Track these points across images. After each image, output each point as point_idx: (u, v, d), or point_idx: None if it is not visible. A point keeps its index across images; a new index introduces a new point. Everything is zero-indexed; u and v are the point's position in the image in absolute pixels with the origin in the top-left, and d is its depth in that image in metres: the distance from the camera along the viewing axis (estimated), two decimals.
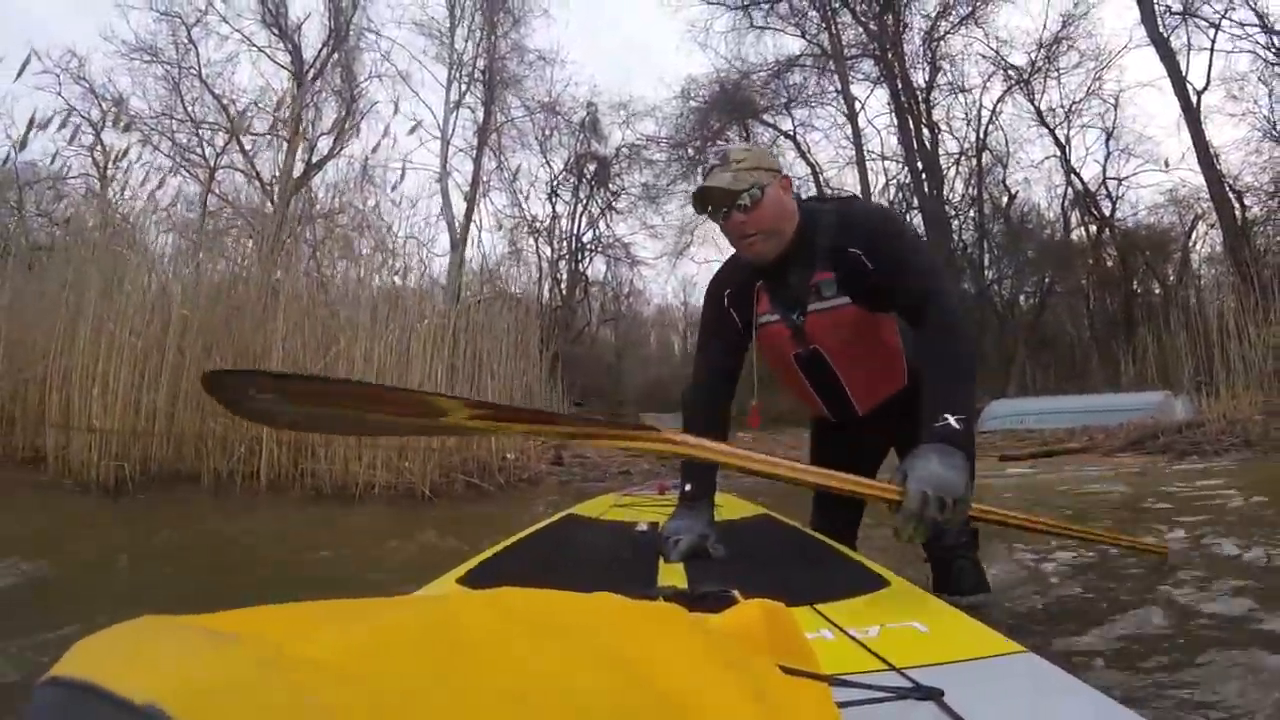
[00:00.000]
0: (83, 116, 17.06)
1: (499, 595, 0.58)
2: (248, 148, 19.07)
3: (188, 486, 4.67)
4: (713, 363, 1.94)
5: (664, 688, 0.50)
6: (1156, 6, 16.07)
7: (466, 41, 19.54)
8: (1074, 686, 0.79)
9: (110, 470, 4.47)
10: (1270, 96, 16.65)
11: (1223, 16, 16.04)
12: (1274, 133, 16.75)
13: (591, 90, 21.29)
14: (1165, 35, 16.09)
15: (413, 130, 14.20)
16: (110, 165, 15.82)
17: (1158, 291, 18.96)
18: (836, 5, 19.93)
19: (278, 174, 18.06)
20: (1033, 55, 19.33)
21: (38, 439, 4.62)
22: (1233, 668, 1.36)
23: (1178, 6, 16.25)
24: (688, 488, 1.77)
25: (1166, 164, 18.29)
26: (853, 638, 0.96)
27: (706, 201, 1.73)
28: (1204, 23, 16.31)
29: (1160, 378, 9.17)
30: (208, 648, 0.41)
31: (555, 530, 2.16)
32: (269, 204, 17.15)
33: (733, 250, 1.90)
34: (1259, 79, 16.65)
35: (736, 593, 0.97)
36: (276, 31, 19.55)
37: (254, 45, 19.37)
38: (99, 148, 16.21)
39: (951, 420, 1.40)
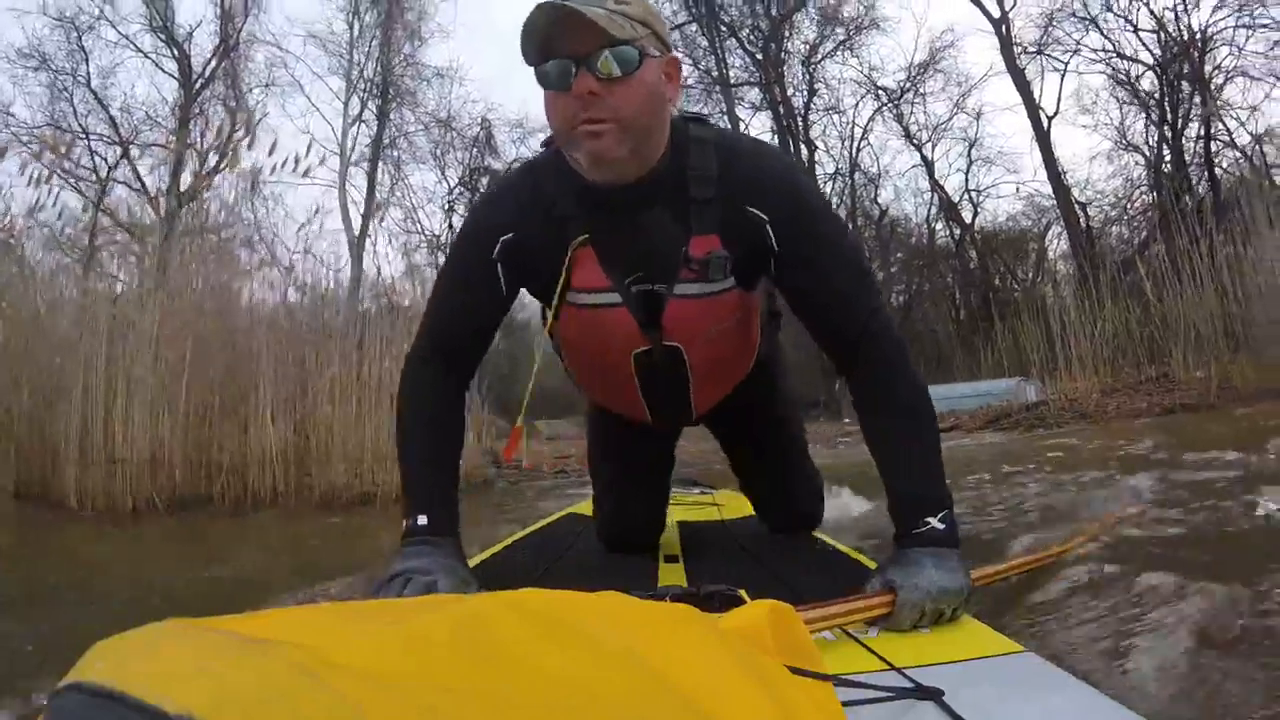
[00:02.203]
0: None
1: (521, 597, 0.57)
2: (137, 160, 18.57)
3: (204, 507, 4.78)
4: (446, 342, 1.31)
5: (683, 688, 0.51)
6: (1014, 42, 17.93)
7: (365, 58, 19.55)
8: (1074, 686, 0.79)
9: (129, 498, 4.54)
10: (1121, 111, 18.79)
11: (1078, 45, 18.03)
12: (1123, 142, 18.90)
13: (487, 107, 21.58)
14: (1021, 67, 17.95)
15: (308, 151, 13.86)
16: None
17: (1016, 290, 20.82)
18: (725, 34, 21.05)
19: (163, 187, 17.64)
20: (901, 81, 20.97)
21: (54, 472, 4.61)
22: (1232, 665, 1.32)
23: (1033, 47, 18.21)
24: (421, 520, 1.20)
25: (1018, 188, 20.33)
26: (853, 637, 0.96)
27: (548, 35, 1.07)
28: (1056, 57, 18.27)
29: (1014, 366, 10.31)
30: (240, 653, 0.39)
31: (555, 529, 2.13)
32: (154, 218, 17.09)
33: (527, 161, 1.37)
34: (1110, 95, 18.77)
35: (743, 593, 0.94)
36: (164, 38, 18.97)
37: (140, 51, 18.86)
38: None
39: (935, 522, 1.12)
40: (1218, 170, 17.71)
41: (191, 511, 4.62)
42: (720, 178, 1.19)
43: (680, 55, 1.20)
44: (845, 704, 0.66)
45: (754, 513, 2.01)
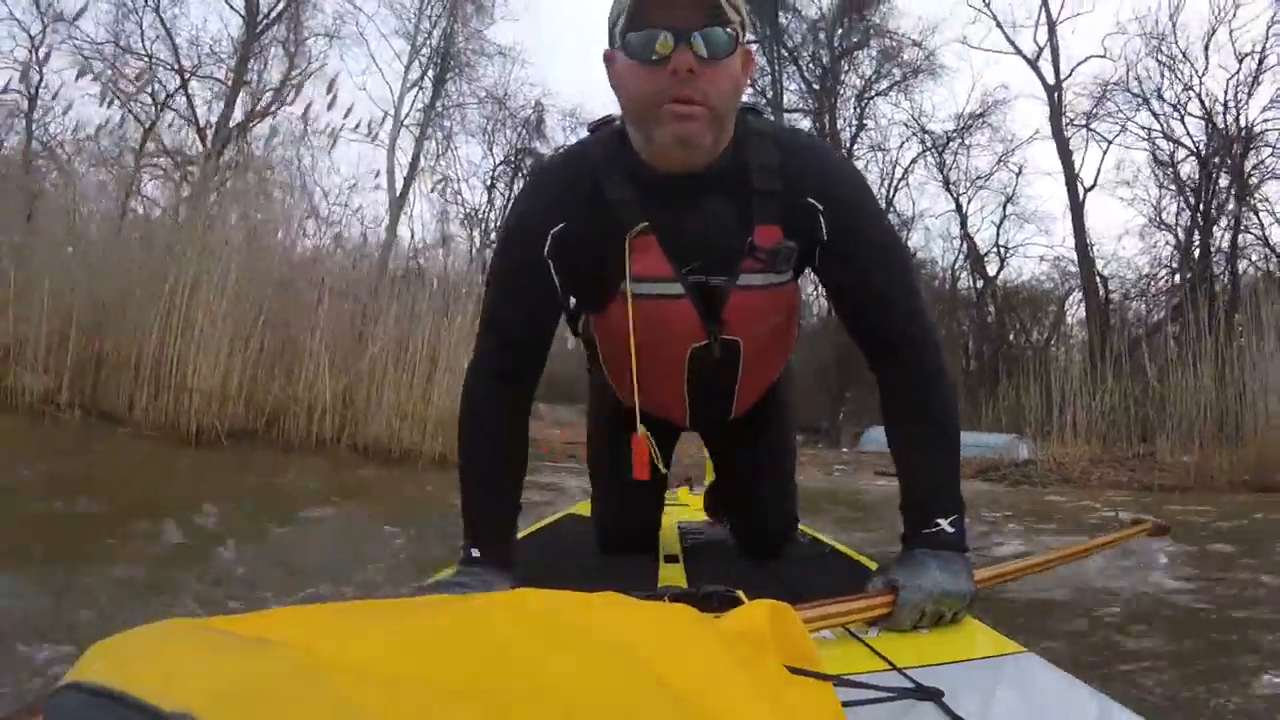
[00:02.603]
0: (22, 28, 16.43)
1: (520, 597, 0.58)
2: (193, 92, 18.56)
3: (259, 440, 5.16)
4: (506, 353, 1.25)
5: (682, 688, 0.50)
6: (1063, 112, 18.29)
7: (433, 25, 19.90)
8: (1074, 686, 0.79)
9: (195, 424, 4.85)
10: (1159, 190, 19.19)
11: (1127, 120, 18.37)
12: (1157, 220, 19.29)
13: (544, 92, 21.96)
14: (1067, 137, 18.31)
15: (347, 114, 13.68)
16: (39, 89, 15.42)
17: (1028, 349, 21.15)
18: (786, 60, 21.45)
19: (213, 120, 17.88)
20: (948, 130, 21.31)
21: (121, 393, 4.92)
22: (1231, 665, 1.32)
23: (1082, 118, 18.56)
24: (475, 553, 1.18)
25: (1041, 258, 20.67)
26: (855, 636, 0.96)
27: (678, 3, 1.02)
28: (1101, 135, 18.62)
29: (1012, 423, 10.71)
30: (239, 652, 0.40)
31: (554, 529, 2.12)
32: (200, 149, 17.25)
33: (564, 152, 1.34)
34: (1151, 173, 19.14)
35: (741, 593, 0.93)
36: None
37: None
38: (35, 65, 15.83)
39: (945, 525, 1.11)
40: (1242, 263, 18.07)
41: (245, 443, 5.01)
42: (782, 169, 1.16)
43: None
44: (845, 704, 0.66)
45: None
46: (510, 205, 1.33)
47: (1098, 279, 18.93)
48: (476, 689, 0.43)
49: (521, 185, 1.45)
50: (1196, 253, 18.36)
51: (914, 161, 22.02)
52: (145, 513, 2.85)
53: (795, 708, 0.59)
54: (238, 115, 18.22)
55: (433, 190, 20.59)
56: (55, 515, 2.82)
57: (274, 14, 19.05)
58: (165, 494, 3.41)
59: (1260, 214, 17.88)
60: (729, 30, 1.04)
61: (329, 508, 3.57)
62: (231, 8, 18.66)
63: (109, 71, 16.86)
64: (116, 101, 16.13)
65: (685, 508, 2.55)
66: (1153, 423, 8.55)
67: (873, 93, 21.76)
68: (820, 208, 1.15)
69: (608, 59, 1.13)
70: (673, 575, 1.43)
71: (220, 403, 4.95)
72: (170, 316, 4.90)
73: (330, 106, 12.13)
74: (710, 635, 0.62)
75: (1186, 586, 2.54)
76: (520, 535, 1.89)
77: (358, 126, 11.44)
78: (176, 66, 18.33)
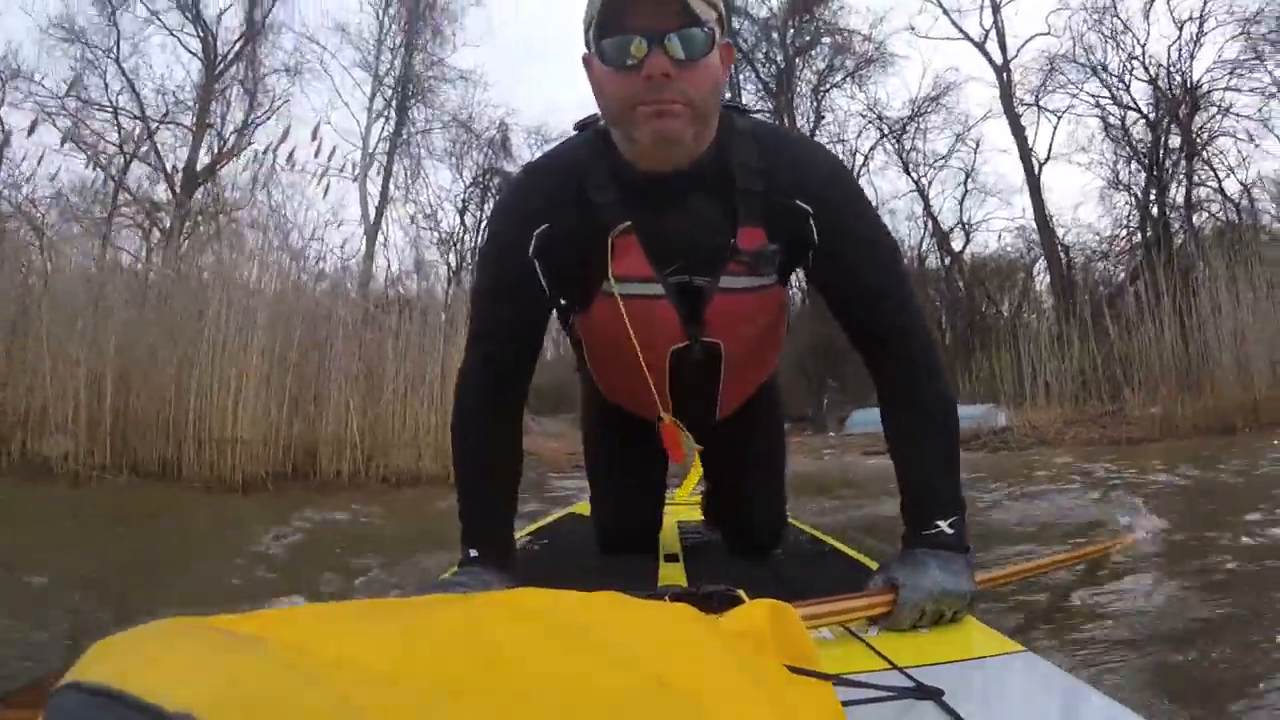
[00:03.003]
0: None
1: (520, 596, 0.58)
2: (158, 138, 18.62)
3: (295, 483, 5.39)
4: (496, 356, 1.25)
5: (682, 688, 0.51)
6: (1014, 89, 18.89)
7: (392, 55, 20.11)
8: (1074, 686, 0.80)
9: (241, 472, 5.06)
10: (1115, 155, 19.89)
11: (1078, 90, 19.08)
12: (1115, 181, 19.94)
13: (508, 111, 22.19)
14: (1019, 113, 18.92)
15: (330, 153, 13.64)
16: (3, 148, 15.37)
17: (1000, 319, 21.66)
18: (740, 61, 21.85)
19: (179, 165, 17.91)
20: (903, 115, 21.82)
21: (165, 450, 5.07)
22: (1233, 664, 1.32)
23: (1031, 96, 19.29)
24: (473, 553, 1.21)
25: (1000, 235, 21.25)
26: (856, 636, 0.95)
27: (620, 5, 1.03)
28: (1050, 111, 19.25)
29: (988, 392, 11.11)
30: (241, 652, 0.40)
31: (554, 529, 2.12)
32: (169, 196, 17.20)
33: (545, 153, 1.30)
34: (1105, 138, 19.80)
35: (742, 592, 0.92)
36: (190, 15, 19.05)
37: (165, 27, 18.77)
38: None
39: (944, 526, 1.11)
40: (1202, 215, 18.71)
41: (286, 485, 5.26)
42: (765, 169, 1.15)
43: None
44: (845, 703, 0.65)
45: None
46: (495, 208, 1.35)
47: (1059, 248, 19.52)
48: (476, 689, 0.43)
49: (507, 187, 1.42)
50: (1154, 211, 18.94)
51: (873, 148, 22.49)
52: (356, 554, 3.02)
53: (796, 707, 0.59)
54: (204, 159, 18.38)
55: (412, 221, 20.76)
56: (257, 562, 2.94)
57: (231, 54, 19.16)
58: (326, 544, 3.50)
59: (1215, 167, 18.54)
60: (706, 29, 1.04)
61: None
62: (189, 50, 19.06)
63: (71, 125, 16.89)
64: (83, 154, 16.79)
65: (685, 507, 2.52)
66: (1120, 380, 9.01)
67: (828, 85, 22.23)
68: (810, 210, 1.15)
69: (586, 62, 1.12)
70: (673, 574, 1.42)
71: (260, 449, 5.20)
72: (203, 370, 5.13)
73: (316, 154, 12.25)
74: (710, 635, 0.62)
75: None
76: (520, 535, 1.89)
77: (331, 157, 11.57)
78: (140, 115, 18.46)
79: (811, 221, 1.15)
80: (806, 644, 0.75)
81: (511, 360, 1.26)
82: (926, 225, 22.93)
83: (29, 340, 5.01)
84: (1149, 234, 18.09)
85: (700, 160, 1.13)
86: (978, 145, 21.44)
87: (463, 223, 22.45)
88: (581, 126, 1.27)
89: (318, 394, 5.61)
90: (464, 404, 1.27)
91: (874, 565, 1.28)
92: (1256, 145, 17.64)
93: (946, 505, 1.13)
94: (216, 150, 18.94)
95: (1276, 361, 7.28)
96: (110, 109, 18.02)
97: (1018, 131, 19.14)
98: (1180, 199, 18.96)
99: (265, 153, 9.68)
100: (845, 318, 1.23)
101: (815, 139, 21.82)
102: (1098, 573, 2.22)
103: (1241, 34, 17.23)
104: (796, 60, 21.66)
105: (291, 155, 10.47)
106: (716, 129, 1.14)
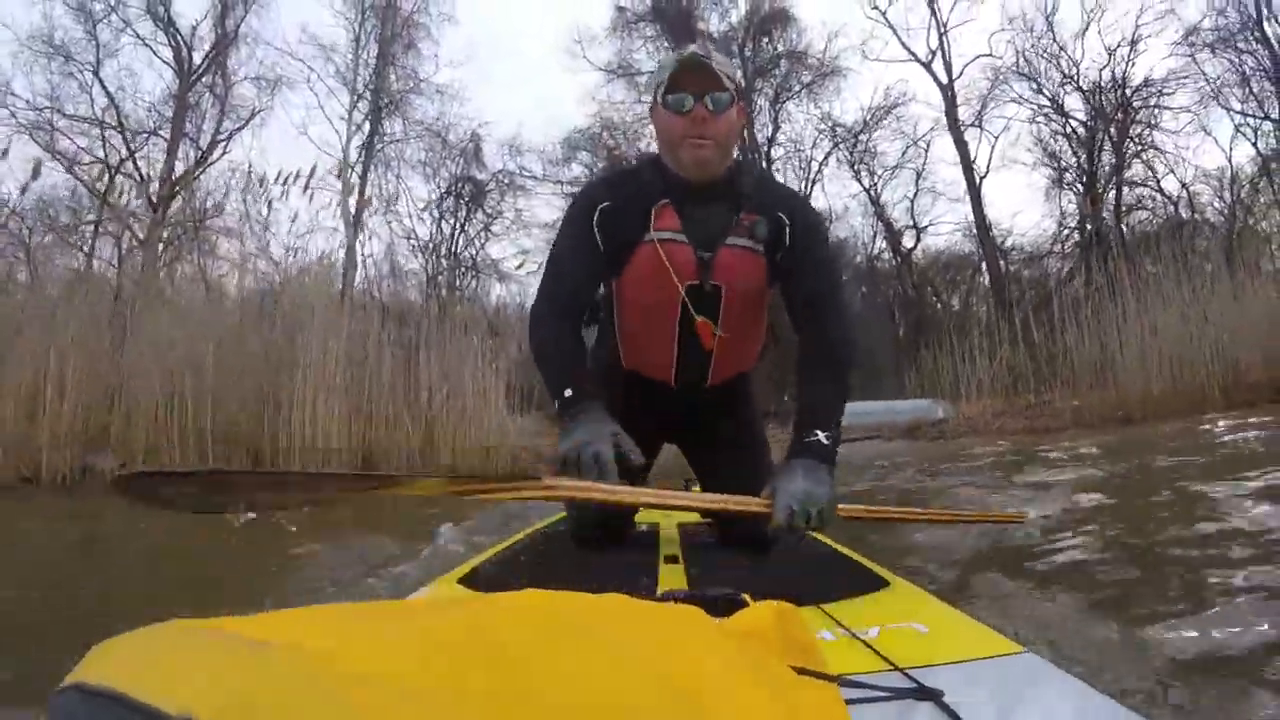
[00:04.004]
0: None
1: (525, 598, 0.59)
2: (135, 149, 18.58)
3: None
4: (562, 294, 1.64)
5: (688, 689, 0.51)
6: (957, 105, 20.42)
7: (370, 70, 20.27)
8: (1074, 686, 0.80)
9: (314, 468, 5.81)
10: (1051, 166, 21.31)
11: (1019, 101, 20.78)
12: (1059, 183, 21.32)
13: (480, 123, 22.09)
14: (962, 129, 20.37)
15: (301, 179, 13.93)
16: None
17: (951, 312, 23.02)
18: None
19: (153, 174, 17.99)
20: (857, 123, 23.00)
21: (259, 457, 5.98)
22: (1235, 665, 1.34)
23: (973, 119, 20.91)
24: (567, 393, 1.48)
25: (941, 245, 22.68)
26: (856, 637, 0.96)
27: (694, 73, 1.53)
28: (990, 131, 20.92)
29: (931, 387, 12.23)
30: (243, 655, 0.41)
31: (554, 530, 2.12)
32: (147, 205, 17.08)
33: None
34: (1045, 144, 21.30)
35: (747, 596, 0.93)
36: (161, 25, 18.92)
37: (138, 36, 18.73)
38: None
39: (821, 436, 1.43)
40: (1136, 218, 20.33)
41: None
42: (759, 190, 1.62)
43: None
44: (845, 703, 0.66)
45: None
46: (574, 198, 1.71)
47: (998, 253, 20.89)
48: (481, 691, 0.43)
49: (584, 185, 1.79)
50: (1088, 225, 20.38)
51: (828, 156, 23.39)
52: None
53: (801, 709, 0.60)
54: (178, 168, 18.34)
55: (404, 239, 21.03)
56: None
57: (204, 64, 19.10)
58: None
59: (1155, 168, 20.07)
60: (729, 94, 1.53)
61: None
62: (161, 59, 19.01)
63: (47, 136, 16.96)
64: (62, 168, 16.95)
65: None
66: (1046, 377, 10.27)
67: (784, 99, 23.11)
68: (788, 222, 1.58)
69: (652, 109, 1.63)
70: (673, 576, 1.43)
71: (339, 455, 6.16)
72: (290, 388, 6.07)
73: (306, 188, 12.42)
74: (715, 637, 0.63)
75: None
76: (519, 536, 2.02)
77: (308, 188, 11.89)
78: (119, 126, 18.39)
79: (787, 230, 1.58)
80: (812, 646, 0.77)
81: (571, 296, 1.64)
82: (877, 227, 24.04)
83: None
84: (1083, 238, 19.61)
85: (720, 178, 1.59)
86: (928, 148, 22.54)
87: (441, 231, 22.83)
88: (638, 158, 2.26)
89: (372, 406, 6.58)
90: (536, 325, 1.63)
91: (874, 568, 1.48)
92: (1186, 151, 19.28)
93: (825, 422, 1.46)
94: (198, 159, 18.99)
95: (1172, 360, 8.45)
96: (96, 122, 18.06)
97: (960, 146, 20.52)
98: (1114, 201, 20.43)
99: (279, 182, 10.14)
100: (799, 293, 1.62)
101: (772, 149, 22.94)
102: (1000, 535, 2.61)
103: (1179, 44, 18.77)
104: (756, 79, 22.60)
105: (309, 184, 10.91)
106: (732, 162, 1.63)
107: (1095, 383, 9.28)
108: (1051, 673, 0.84)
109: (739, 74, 1.76)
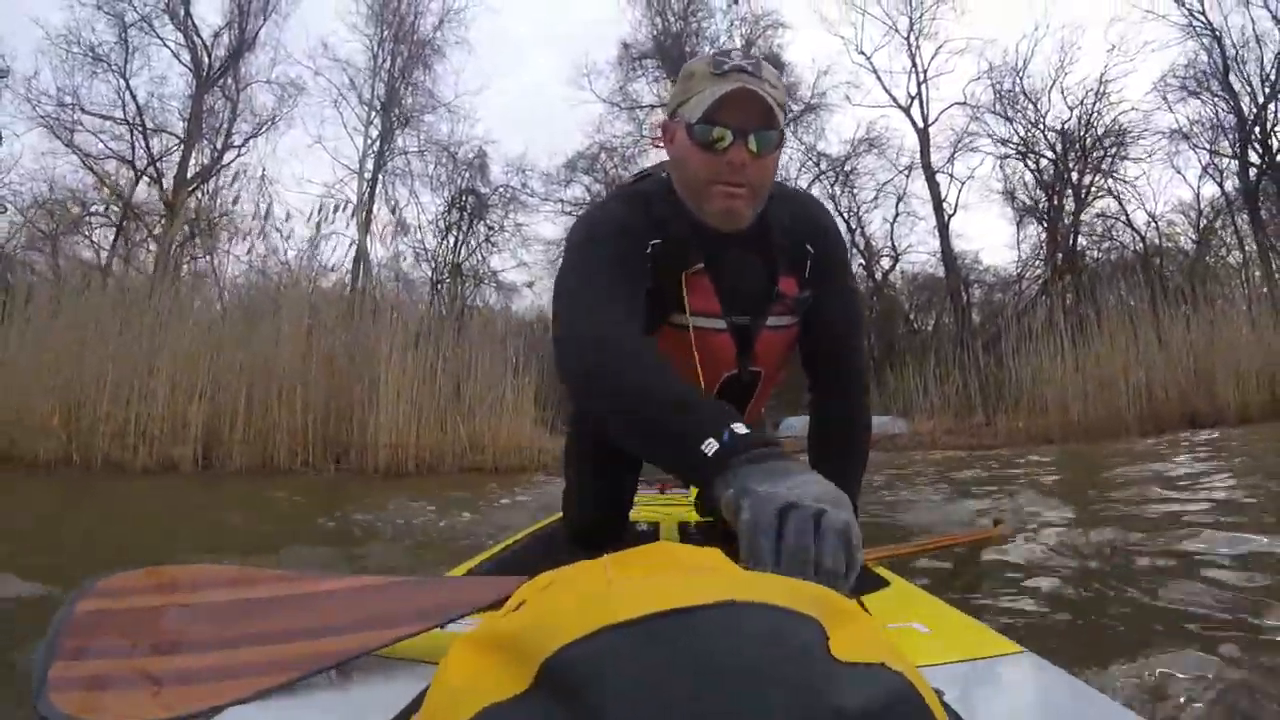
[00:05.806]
0: None
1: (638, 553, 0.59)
2: (154, 150, 19.31)
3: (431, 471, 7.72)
4: (616, 312, 1.14)
5: None
6: (931, 148, 22.32)
7: (385, 85, 21.21)
8: (1074, 686, 0.80)
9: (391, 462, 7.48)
10: (1027, 189, 22.85)
11: (991, 137, 22.43)
12: (1036, 212, 22.79)
13: (486, 139, 22.94)
14: (935, 171, 22.21)
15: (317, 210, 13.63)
16: None
17: (925, 332, 24.55)
18: None
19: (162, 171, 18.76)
20: (840, 153, 24.52)
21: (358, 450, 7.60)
22: (1236, 665, 1.36)
23: (946, 163, 22.68)
24: (739, 428, 0.91)
25: (928, 261, 24.24)
26: None
27: (722, 102, 1.16)
28: (958, 178, 22.71)
29: (894, 403, 13.72)
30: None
31: (556, 529, 2.10)
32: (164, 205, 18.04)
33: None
34: (1015, 179, 22.90)
35: None
36: (178, 25, 19.38)
37: (159, 38, 19.25)
38: None
39: None
40: (1104, 250, 22.02)
41: (412, 475, 7.57)
42: (790, 226, 1.36)
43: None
44: None
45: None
46: (590, 212, 1.41)
47: (962, 285, 22.48)
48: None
49: (598, 201, 1.53)
50: (1044, 263, 22.07)
51: (811, 184, 24.35)
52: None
53: None
54: (192, 169, 19.01)
55: (395, 237, 21.80)
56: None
57: (219, 68, 19.69)
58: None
59: (1125, 202, 21.62)
60: (777, 132, 1.21)
61: None
62: (181, 62, 19.57)
63: (68, 133, 17.69)
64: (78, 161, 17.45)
65: (685, 509, 2.56)
66: (992, 400, 11.87)
67: None
68: (811, 251, 1.37)
69: (665, 128, 1.31)
70: None
71: (413, 450, 7.67)
72: (370, 387, 7.53)
73: (319, 225, 12.86)
74: None
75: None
76: (522, 534, 2.01)
77: (319, 226, 12.85)
78: (140, 126, 18.99)
79: (809, 261, 1.37)
80: None
81: (627, 317, 1.18)
82: (854, 254, 25.41)
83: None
84: (1045, 271, 21.31)
85: (752, 224, 1.29)
86: (909, 175, 23.75)
87: (446, 242, 23.38)
88: (639, 178, 1.46)
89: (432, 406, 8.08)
90: (591, 349, 1.09)
91: (874, 568, 1.39)
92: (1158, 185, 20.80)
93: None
94: (214, 160, 19.77)
95: (1095, 391, 10.02)
96: (125, 123, 18.87)
97: (933, 186, 22.19)
98: (1082, 241, 22.14)
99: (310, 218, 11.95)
100: (809, 352, 1.47)
101: None
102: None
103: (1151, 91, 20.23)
104: None
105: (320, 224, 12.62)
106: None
107: (1032, 408, 10.86)
108: (1052, 673, 0.81)
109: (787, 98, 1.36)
